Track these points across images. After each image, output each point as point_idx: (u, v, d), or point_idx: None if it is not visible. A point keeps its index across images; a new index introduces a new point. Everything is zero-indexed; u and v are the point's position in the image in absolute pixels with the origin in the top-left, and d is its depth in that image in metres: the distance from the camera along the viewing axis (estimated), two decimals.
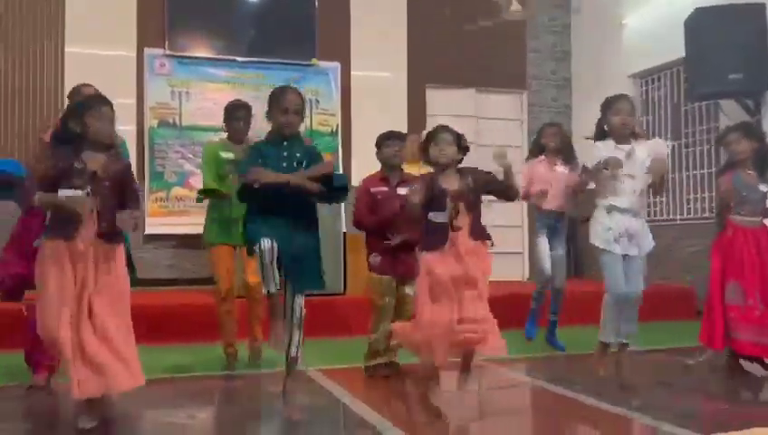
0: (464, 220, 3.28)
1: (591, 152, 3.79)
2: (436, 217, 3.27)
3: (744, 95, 6.13)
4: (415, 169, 4.54)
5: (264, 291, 3.28)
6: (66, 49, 7.08)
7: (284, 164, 3.35)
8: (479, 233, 3.32)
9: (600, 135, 3.84)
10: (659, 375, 3.90)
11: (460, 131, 3.44)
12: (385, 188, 4.12)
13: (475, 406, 3.40)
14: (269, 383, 3.89)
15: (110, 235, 2.97)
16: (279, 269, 3.25)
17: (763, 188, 4.04)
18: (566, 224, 5.12)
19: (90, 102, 3.06)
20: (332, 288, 6.05)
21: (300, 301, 3.40)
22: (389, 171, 4.17)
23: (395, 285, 4.08)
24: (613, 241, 3.66)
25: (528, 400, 3.82)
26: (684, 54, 6.40)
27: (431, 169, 3.44)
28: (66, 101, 4.22)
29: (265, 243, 3.16)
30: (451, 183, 3.33)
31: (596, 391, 3.58)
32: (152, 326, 4.51)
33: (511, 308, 5.20)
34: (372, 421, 3.07)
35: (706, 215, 6.98)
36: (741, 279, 3.96)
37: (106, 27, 7.12)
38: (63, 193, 2.86)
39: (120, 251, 3.02)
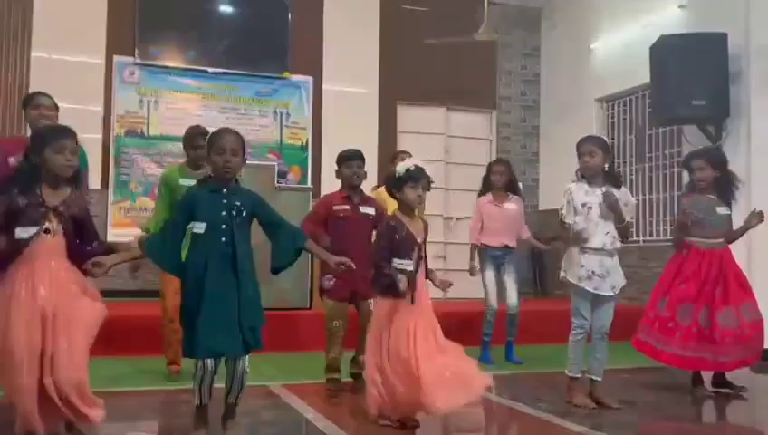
0: (423, 269, 3.29)
1: (565, 194, 3.80)
2: (403, 264, 3.20)
3: (706, 121, 6.30)
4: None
5: (195, 402, 2.99)
6: (32, 54, 6.94)
7: (223, 212, 2.95)
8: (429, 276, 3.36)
9: (576, 179, 3.86)
10: (622, 394, 3.93)
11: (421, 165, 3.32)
12: (347, 207, 4.12)
13: (439, 424, 3.38)
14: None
15: (69, 268, 2.84)
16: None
17: (721, 211, 4.15)
18: (513, 256, 5.27)
19: (49, 135, 2.91)
20: (298, 303, 6.02)
21: (244, 363, 3.02)
22: (351, 190, 4.17)
23: (347, 307, 4.09)
24: (585, 277, 3.69)
25: (492, 418, 3.82)
26: (649, 80, 6.56)
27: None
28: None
29: (208, 363, 2.88)
30: (417, 230, 3.29)
31: (560, 409, 3.60)
32: (112, 338, 4.41)
33: (471, 326, 5.23)
34: None
35: (669, 237, 7.12)
36: (697, 302, 4.08)
37: (75, 33, 7.02)
38: (20, 232, 2.76)
39: (81, 279, 2.87)
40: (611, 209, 3.67)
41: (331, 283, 4.06)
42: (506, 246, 5.22)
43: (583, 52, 8.15)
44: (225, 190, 3.00)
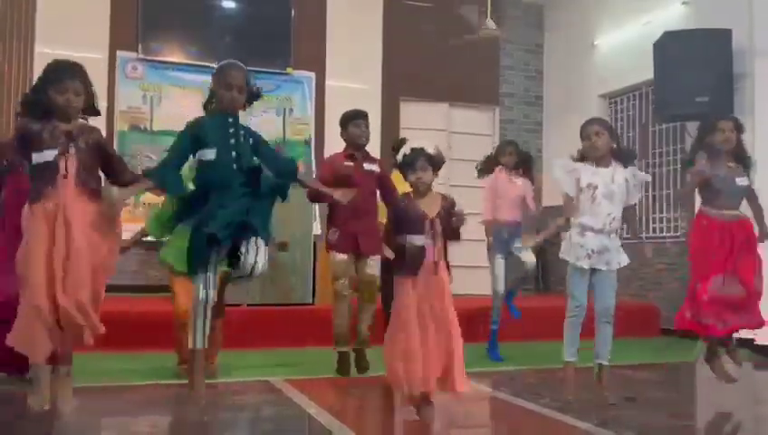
0: (439, 246, 3.25)
1: (570, 170, 3.77)
2: (414, 239, 3.23)
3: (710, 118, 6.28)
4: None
5: (189, 344, 3.10)
6: (36, 49, 6.95)
7: (232, 141, 3.14)
8: (447, 263, 3.34)
9: (580, 159, 3.82)
10: (624, 391, 3.94)
11: (432, 149, 3.31)
12: (351, 164, 4.16)
13: (439, 419, 3.39)
14: (230, 393, 3.84)
15: (88, 193, 2.93)
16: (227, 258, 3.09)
17: (741, 181, 3.98)
18: (520, 230, 5.26)
19: (52, 74, 2.97)
20: (301, 298, 6.03)
21: (262, 249, 3.10)
22: (356, 150, 4.21)
23: (352, 266, 4.10)
24: (584, 257, 3.68)
25: (493, 413, 3.83)
26: (652, 76, 6.54)
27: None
28: None
29: (201, 293, 3.00)
30: (430, 206, 3.28)
31: (561, 405, 3.60)
32: (114, 333, 4.42)
33: (479, 322, 5.24)
34: (338, 433, 3.05)
35: (672, 234, 7.12)
36: (729, 271, 3.93)
37: (78, 29, 7.02)
38: (37, 157, 2.83)
39: (97, 211, 2.95)
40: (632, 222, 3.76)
41: (336, 235, 4.08)
42: (516, 222, 5.20)
43: (586, 48, 8.14)
44: (231, 120, 3.19)
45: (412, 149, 3.30)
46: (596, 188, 3.67)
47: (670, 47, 6.24)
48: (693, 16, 6.60)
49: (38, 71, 6.68)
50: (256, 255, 3.04)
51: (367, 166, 4.20)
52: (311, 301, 6.04)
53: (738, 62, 6.06)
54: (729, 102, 6.08)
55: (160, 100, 7.37)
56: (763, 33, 5.97)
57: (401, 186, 4.70)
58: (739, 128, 4.04)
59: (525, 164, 5.32)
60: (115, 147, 7.16)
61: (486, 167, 5.34)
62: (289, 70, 7.82)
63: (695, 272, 4.05)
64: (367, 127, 4.24)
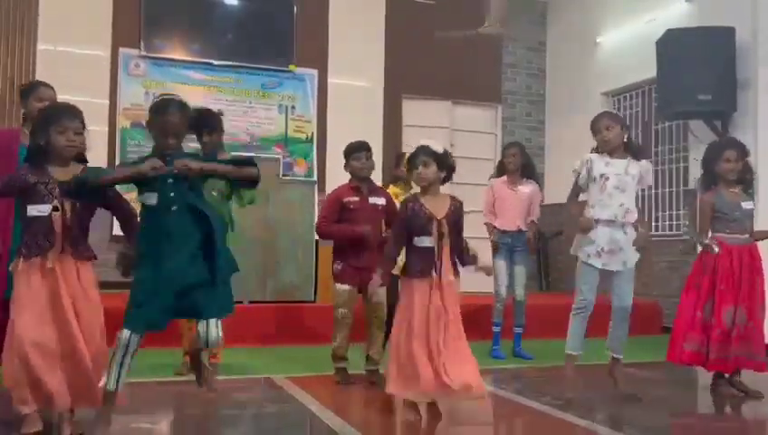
0: (446, 247, 3.22)
1: (583, 161, 3.81)
2: (421, 241, 3.21)
3: (713, 116, 6.27)
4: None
5: (102, 384, 2.82)
6: (38, 46, 6.96)
7: (170, 181, 2.85)
8: (455, 264, 3.30)
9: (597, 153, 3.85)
10: (626, 389, 3.93)
11: (438, 147, 3.27)
12: (357, 198, 4.13)
13: (441, 417, 3.39)
14: (234, 390, 3.84)
15: (78, 251, 2.81)
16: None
17: (746, 205, 3.99)
18: (525, 241, 5.23)
19: (53, 115, 2.87)
20: (303, 296, 6.04)
21: (214, 325, 2.88)
22: (360, 182, 4.19)
23: (355, 296, 4.10)
24: (594, 254, 3.68)
25: (495, 411, 3.83)
26: (655, 74, 6.53)
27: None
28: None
29: (126, 335, 2.77)
30: (438, 207, 3.25)
31: (563, 403, 3.60)
32: (113, 331, 4.42)
33: (478, 320, 5.23)
34: (340, 430, 3.06)
35: (674, 232, 7.11)
36: (741, 302, 3.88)
37: (80, 26, 7.03)
38: (31, 210, 2.74)
39: (89, 270, 2.84)
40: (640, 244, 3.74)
41: (340, 267, 4.09)
42: (520, 230, 5.18)
43: (589, 46, 8.13)
44: (167, 157, 2.88)
45: (416, 148, 3.28)
46: (607, 179, 3.69)
47: (673, 45, 6.22)
48: (696, 14, 6.58)
49: (40, 68, 6.81)
50: (207, 330, 2.87)
51: (372, 200, 4.16)
52: (312, 298, 6.04)
53: (741, 60, 6.04)
54: (732, 101, 6.06)
55: None
56: (767, 31, 5.95)
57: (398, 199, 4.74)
58: (744, 154, 4.02)
59: (527, 169, 5.27)
60: (117, 144, 7.17)
61: (497, 172, 5.38)
62: (292, 67, 7.81)
63: (694, 298, 4.00)
64: (368, 158, 4.19)
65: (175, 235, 2.83)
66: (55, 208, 2.76)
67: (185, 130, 2.99)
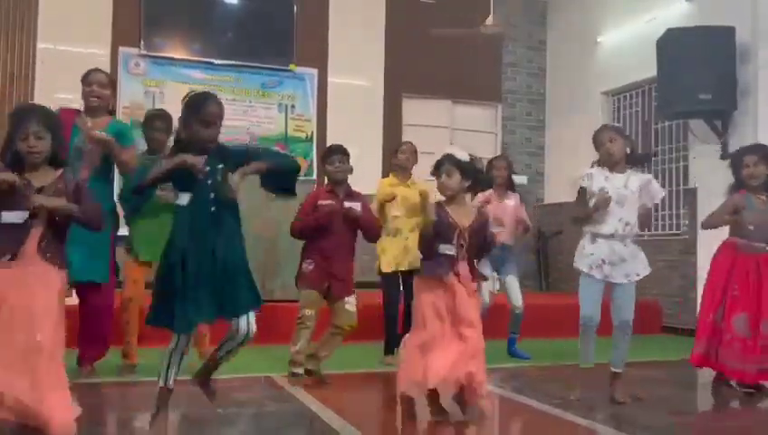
0: (465, 257, 3.24)
1: (585, 176, 3.75)
2: (443, 248, 3.21)
3: (713, 115, 6.27)
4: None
5: (159, 383, 2.89)
6: (38, 45, 6.96)
7: (209, 180, 2.83)
8: (474, 272, 3.30)
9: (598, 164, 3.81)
10: (625, 389, 3.93)
11: (464, 155, 3.25)
12: (332, 202, 4.11)
13: (439, 415, 3.39)
14: (234, 389, 3.84)
15: (52, 259, 2.62)
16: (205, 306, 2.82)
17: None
18: (514, 252, 5.23)
19: (13, 120, 2.67)
20: (299, 295, 6.02)
21: (247, 320, 2.90)
22: (336, 185, 4.18)
23: (321, 299, 4.07)
24: (595, 266, 3.64)
25: (494, 410, 3.83)
26: (656, 74, 6.53)
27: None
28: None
29: (175, 337, 2.82)
30: (462, 217, 3.25)
31: (562, 402, 3.60)
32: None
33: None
34: (340, 429, 3.06)
35: (673, 231, 7.11)
36: (750, 311, 3.86)
37: (80, 24, 7.03)
38: (6, 216, 2.55)
39: (59, 279, 2.64)
40: (644, 223, 3.70)
41: (311, 266, 4.05)
42: (503, 245, 5.03)
43: (589, 45, 8.12)
44: (206, 157, 2.86)
45: (442, 156, 3.27)
46: (606, 193, 3.63)
47: (673, 44, 6.22)
48: (696, 14, 6.59)
49: (40, 66, 6.80)
50: (247, 323, 2.89)
51: (348, 203, 4.13)
52: None
53: (741, 59, 6.04)
54: (732, 100, 6.06)
55: (163, 96, 7.37)
56: (767, 31, 5.95)
57: (388, 189, 4.75)
58: (765, 157, 3.94)
59: (511, 182, 5.26)
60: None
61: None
62: (292, 66, 7.81)
63: (709, 302, 3.99)
64: (342, 162, 4.16)
65: (211, 233, 2.81)
66: (31, 215, 2.58)
67: (221, 121, 2.95)
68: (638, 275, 3.70)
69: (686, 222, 6.83)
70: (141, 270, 4.11)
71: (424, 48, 8.22)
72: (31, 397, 2.44)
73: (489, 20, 7.92)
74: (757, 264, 3.90)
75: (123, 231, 4.18)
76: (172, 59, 7.43)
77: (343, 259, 4.09)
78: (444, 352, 3.12)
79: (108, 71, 7.13)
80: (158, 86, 7.39)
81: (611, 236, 3.65)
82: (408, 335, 3.34)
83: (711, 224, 4.04)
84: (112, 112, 4.14)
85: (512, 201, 5.23)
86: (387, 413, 3.68)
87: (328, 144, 7.68)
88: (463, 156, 3.25)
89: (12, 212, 2.57)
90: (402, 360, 3.29)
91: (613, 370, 3.75)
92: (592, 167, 3.79)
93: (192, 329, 2.89)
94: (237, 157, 2.93)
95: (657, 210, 7.41)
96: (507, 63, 8.94)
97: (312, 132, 7.91)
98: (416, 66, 8.22)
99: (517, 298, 5.12)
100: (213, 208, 2.83)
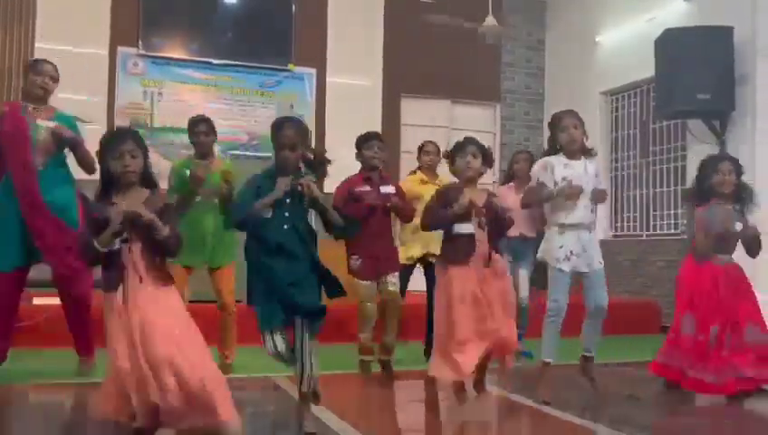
0: (484, 235, 3.31)
1: (543, 165, 3.74)
2: (461, 228, 3.25)
3: (711, 115, 6.28)
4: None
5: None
6: (36, 44, 6.94)
7: (287, 199, 2.95)
8: (496, 249, 3.40)
9: (551, 153, 3.78)
10: (623, 388, 3.94)
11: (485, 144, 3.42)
12: (368, 188, 4.17)
13: (439, 415, 3.40)
14: (234, 389, 3.84)
15: (157, 277, 2.61)
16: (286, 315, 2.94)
17: (737, 227, 3.88)
18: (531, 246, 5.19)
19: (107, 142, 2.68)
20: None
21: (308, 333, 2.97)
22: (370, 172, 4.22)
23: (376, 289, 4.18)
24: (563, 259, 3.62)
25: (492, 410, 3.84)
26: (654, 74, 6.53)
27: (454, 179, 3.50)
28: None
29: (278, 342, 2.92)
30: (476, 197, 3.33)
31: (559, 402, 3.60)
32: None
33: None
34: (340, 430, 3.06)
35: (672, 231, 7.12)
36: (697, 312, 3.89)
37: (78, 24, 7.02)
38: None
39: (173, 293, 2.65)
40: (600, 201, 3.69)
41: (358, 262, 4.13)
42: (524, 236, 5.08)
43: (588, 45, 8.13)
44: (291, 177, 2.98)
45: (464, 138, 3.39)
46: (570, 181, 3.61)
47: (672, 44, 6.23)
48: (695, 13, 6.59)
49: None
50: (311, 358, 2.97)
51: (384, 189, 4.23)
52: None
53: (740, 59, 6.05)
54: (730, 100, 6.07)
55: (161, 96, 7.37)
56: (766, 31, 5.96)
57: (416, 187, 4.74)
58: (739, 170, 3.95)
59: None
60: None
61: (506, 179, 5.37)
62: (291, 66, 7.81)
63: (679, 312, 4.00)
64: (380, 149, 4.24)
65: (283, 250, 2.90)
66: (125, 240, 2.56)
67: (299, 143, 3.03)
68: (600, 262, 3.69)
69: (685, 222, 6.84)
70: (183, 275, 4.07)
71: (422, 48, 8.22)
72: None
73: (488, 20, 7.90)
74: (725, 273, 3.87)
75: None
76: (171, 59, 7.42)
77: (384, 240, 4.22)
78: (475, 342, 3.21)
79: (106, 71, 7.22)
80: (156, 86, 7.38)
81: (580, 225, 3.64)
82: (435, 324, 3.41)
83: (705, 254, 3.97)
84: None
85: None
86: (386, 413, 3.68)
87: (326, 144, 7.78)
88: (483, 143, 3.40)
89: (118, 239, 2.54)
90: (434, 349, 3.37)
91: (587, 354, 3.76)
92: (544, 156, 3.79)
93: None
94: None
95: (655, 210, 7.42)
96: (506, 63, 8.94)
97: (311, 132, 7.91)
98: (414, 66, 8.21)
99: (524, 290, 5.11)
100: (286, 227, 2.93)
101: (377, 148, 4.22)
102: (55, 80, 4.10)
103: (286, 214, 2.94)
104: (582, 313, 3.76)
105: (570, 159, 3.69)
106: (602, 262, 3.71)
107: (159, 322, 2.50)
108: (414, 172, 5.04)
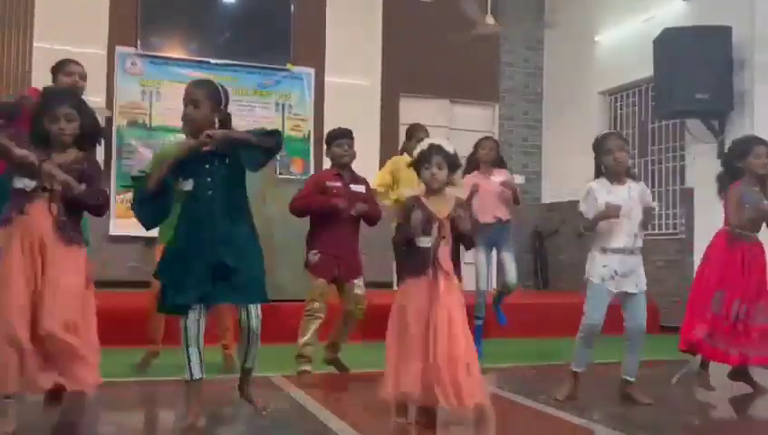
0: (445, 249, 3.14)
1: (585, 194, 3.67)
2: (421, 241, 3.12)
3: (710, 115, 6.28)
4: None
5: (185, 376, 2.88)
6: (34, 44, 6.94)
7: (207, 166, 2.90)
8: (454, 266, 3.21)
9: (598, 175, 3.72)
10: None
11: (451, 148, 3.21)
12: (339, 184, 4.13)
13: (435, 421, 3.38)
14: (231, 389, 3.83)
15: (68, 233, 2.79)
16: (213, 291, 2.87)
17: (766, 205, 3.92)
18: (509, 229, 5.17)
19: (46, 102, 2.88)
20: (300, 295, 6.00)
21: (254, 312, 3.02)
22: (341, 169, 4.19)
23: (329, 289, 4.09)
24: (609, 278, 3.57)
25: (491, 410, 3.83)
26: (652, 73, 6.53)
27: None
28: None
29: (190, 320, 2.81)
30: (440, 208, 3.16)
31: (558, 402, 3.60)
32: (110, 328, 4.41)
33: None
34: (338, 429, 3.05)
35: (670, 231, 7.11)
36: (728, 289, 3.91)
37: (77, 24, 7.01)
38: (19, 181, 2.74)
39: (78, 254, 2.82)
40: (648, 221, 3.65)
41: (317, 257, 4.05)
42: (500, 220, 5.05)
43: (587, 44, 8.12)
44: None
45: (429, 145, 3.19)
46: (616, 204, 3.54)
47: (670, 44, 6.23)
48: (693, 13, 6.59)
49: (37, 65, 6.78)
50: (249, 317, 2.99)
51: (354, 187, 4.16)
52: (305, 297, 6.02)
53: (738, 59, 6.05)
54: (729, 99, 6.07)
55: (159, 95, 7.36)
56: (764, 30, 5.96)
57: (388, 177, 4.71)
58: None
59: (499, 162, 5.23)
60: (113, 143, 7.15)
61: (468, 167, 5.21)
62: (289, 66, 7.80)
63: (702, 286, 4.01)
64: (350, 146, 4.19)
65: (209, 221, 2.85)
66: (44, 188, 2.75)
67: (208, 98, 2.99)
68: (643, 284, 3.65)
69: (683, 222, 6.84)
70: None
71: (421, 47, 8.21)
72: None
73: (486, 19, 7.91)
74: (751, 252, 3.93)
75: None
76: (169, 58, 7.42)
77: (349, 242, 4.11)
78: (420, 365, 2.99)
79: (104, 70, 7.21)
80: (155, 86, 7.37)
81: (621, 250, 3.59)
82: (387, 339, 3.21)
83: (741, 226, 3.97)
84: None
85: (499, 177, 5.10)
86: (385, 414, 3.67)
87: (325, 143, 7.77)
88: (450, 149, 3.20)
89: (24, 179, 2.72)
90: (386, 366, 3.16)
91: (628, 378, 3.69)
92: (592, 182, 3.69)
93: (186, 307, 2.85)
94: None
95: (653, 210, 7.39)
96: (505, 63, 8.93)
97: (310, 132, 7.90)
98: (413, 65, 8.21)
99: (512, 274, 5.04)
100: (210, 193, 2.88)
101: (346, 145, 4.18)
102: (84, 78, 4.12)
103: (209, 179, 2.90)
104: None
105: (612, 184, 3.63)
106: (645, 286, 3.66)
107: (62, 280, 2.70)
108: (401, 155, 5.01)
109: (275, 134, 3.11)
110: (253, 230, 3.02)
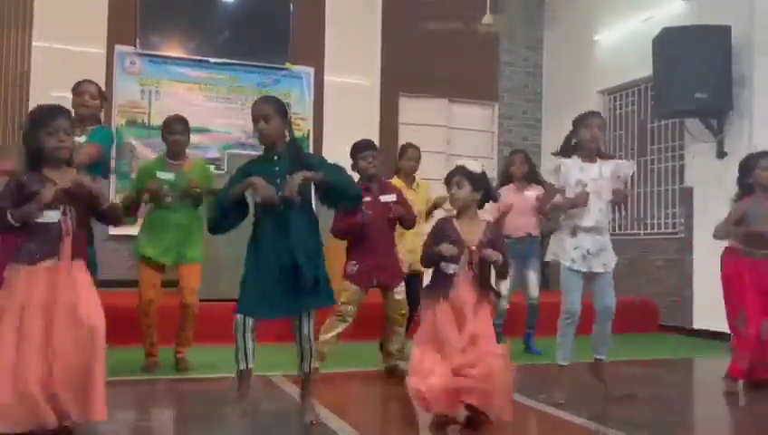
0: (473, 276, 3.11)
1: (556, 167, 3.73)
2: (447, 268, 3.11)
3: (709, 114, 6.28)
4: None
5: (239, 366, 3.07)
6: (33, 43, 6.93)
7: (278, 180, 3.00)
8: (485, 285, 3.17)
9: (566, 150, 3.80)
10: (622, 387, 3.94)
11: (477, 168, 3.19)
12: (369, 199, 4.12)
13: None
14: (230, 388, 3.83)
15: (81, 256, 2.77)
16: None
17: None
18: (537, 244, 5.23)
19: (41, 116, 2.77)
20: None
21: (306, 322, 3.14)
22: (368, 181, 4.19)
23: (362, 296, 4.15)
24: (579, 258, 3.61)
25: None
26: (652, 73, 6.53)
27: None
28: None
29: (242, 318, 3.01)
30: (471, 231, 3.15)
31: (556, 403, 3.60)
32: (109, 327, 4.39)
33: None
34: (337, 428, 3.05)
35: (669, 230, 7.12)
36: (746, 307, 3.94)
37: (76, 23, 6.99)
38: (47, 215, 2.67)
39: (88, 274, 2.80)
40: (618, 201, 3.66)
41: (355, 268, 4.12)
42: (529, 235, 5.17)
43: (586, 44, 8.12)
44: (276, 158, 3.07)
45: (455, 167, 3.23)
46: (585, 185, 3.61)
47: (670, 43, 6.23)
48: (693, 13, 6.59)
49: (36, 65, 6.77)
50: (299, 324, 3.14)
51: (383, 198, 4.21)
52: None
53: (737, 58, 6.05)
54: (728, 99, 6.08)
55: (159, 94, 7.35)
56: (763, 30, 5.96)
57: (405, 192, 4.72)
58: None
59: (532, 174, 5.29)
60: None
61: (503, 179, 5.36)
62: (288, 65, 7.80)
63: (733, 311, 4.01)
64: (375, 157, 4.22)
65: (281, 233, 2.98)
66: (63, 213, 2.70)
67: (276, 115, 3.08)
68: (613, 264, 3.70)
69: (682, 221, 6.84)
70: (156, 274, 4.26)
71: (420, 47, 8.20)
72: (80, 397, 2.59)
73: (485, 19, 7.90)
74: (766, 268, 3.93)
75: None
76: (168, 57, 7.41)
77: (387, 251, 4.19)
78: (447, 380, 2.99)
79: (103, 69, 7.19)
80: (153, 85, 7.36)
81: (592, 229, 3.63)
82: (415, 340, 3.22)
83: (721, 236, 4.06)
84: (100, 121, 4.25)
85: (533, 193, 5.12)
86: (385, 414, 3.68)
87: (324, 143, 7.77)
88: (474, 168, 3.19)
89: (52, 211, 2.67)
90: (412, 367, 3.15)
91: (598, 357, 3.73)
92: (557, 153, 3.78)
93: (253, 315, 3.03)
94: (308, 163, 3.09)
95: (652, 209, 7.41)
96: (504, 62, 8.93)
97: (309, 131, 7.89)
98: (412, 65, 8.20)
99: (534, 289, 5.16)
100: (282, 207, 2.98)
101: (371, 157, 4.20)
102: (95, 97, 4.10)
103: (279, 193, 3.00)
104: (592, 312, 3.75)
105: (585, 162, 3.68)
106: (613, 265, 3.70)
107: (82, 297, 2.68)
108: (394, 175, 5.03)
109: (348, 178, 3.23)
110: (317, 234, 3.14)
